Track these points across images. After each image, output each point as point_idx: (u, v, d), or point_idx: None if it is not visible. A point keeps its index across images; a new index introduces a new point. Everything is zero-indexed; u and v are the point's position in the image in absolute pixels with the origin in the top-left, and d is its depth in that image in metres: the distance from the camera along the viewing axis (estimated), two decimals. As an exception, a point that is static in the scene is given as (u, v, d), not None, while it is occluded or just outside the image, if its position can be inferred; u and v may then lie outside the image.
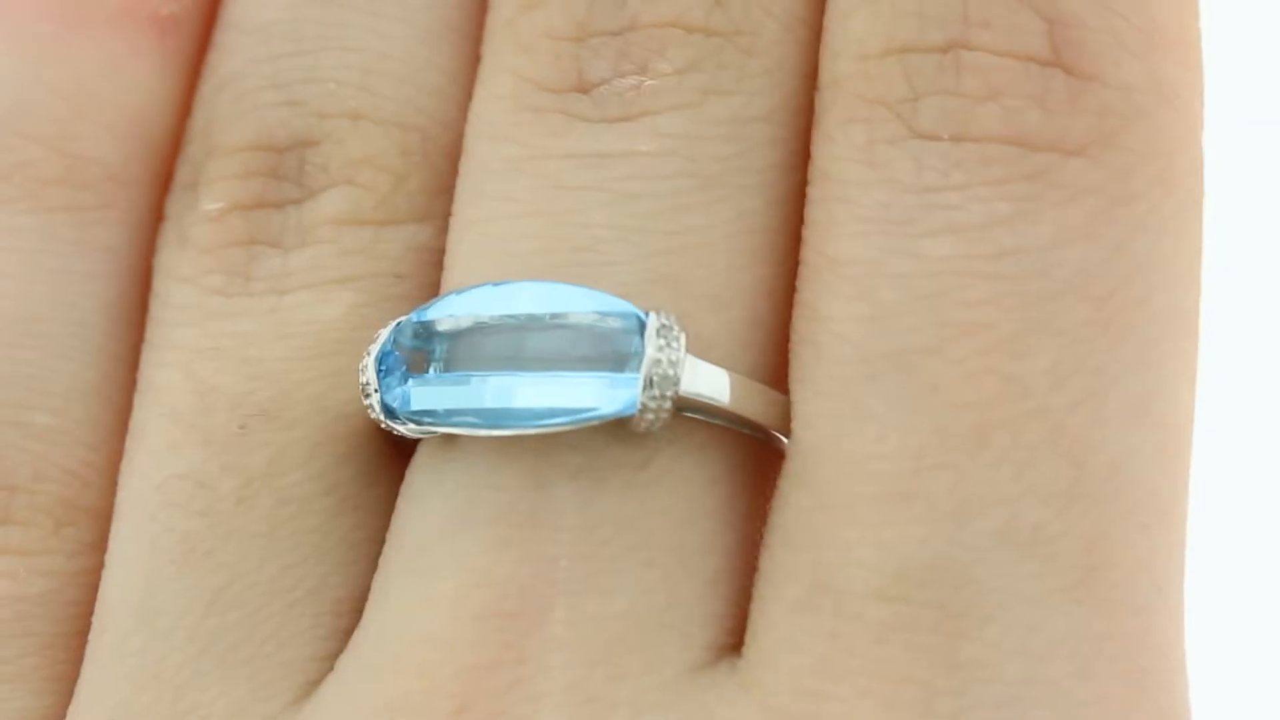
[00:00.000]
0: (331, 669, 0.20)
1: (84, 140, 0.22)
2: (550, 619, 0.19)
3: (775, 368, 0.21)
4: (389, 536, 0.21)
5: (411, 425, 0.20)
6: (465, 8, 0.22)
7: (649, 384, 0.19)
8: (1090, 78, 0.19)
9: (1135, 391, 0.19)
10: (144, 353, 0.22)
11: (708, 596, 0.20)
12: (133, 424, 0.22)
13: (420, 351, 0.20)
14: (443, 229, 0.22)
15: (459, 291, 0.20)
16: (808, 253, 0.20)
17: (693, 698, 0.19)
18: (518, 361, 0.20)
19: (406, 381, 0.20)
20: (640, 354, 0.19)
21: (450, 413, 0.20)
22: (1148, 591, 0.19)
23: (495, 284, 0.20)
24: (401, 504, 0.21)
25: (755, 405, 0.20)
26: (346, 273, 0.21)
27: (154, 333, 0.22)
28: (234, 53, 0.22)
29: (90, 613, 0.21)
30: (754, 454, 0.21)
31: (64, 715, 0.21)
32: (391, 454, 0.21)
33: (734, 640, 0.20)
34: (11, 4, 0.22)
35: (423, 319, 0.20)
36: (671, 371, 0.19)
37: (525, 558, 0.20)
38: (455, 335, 0.20)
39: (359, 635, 0.20)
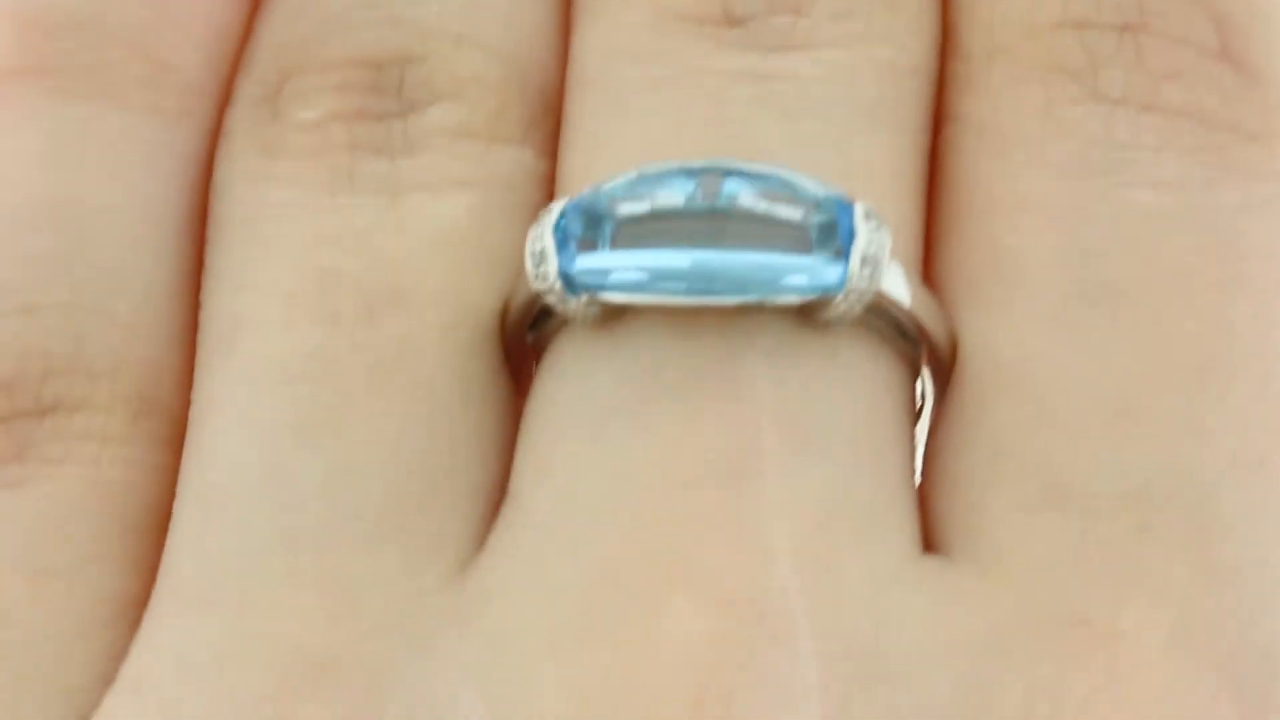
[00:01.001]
0: (484, 547, 0.20)
1: (166, 47, 0.22)
2: (766, 486, 0.19)
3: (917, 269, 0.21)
4: (534, 421, 0.20)
5: (586, 296, 0.19)
6: None
7: (861, 264, 0.19)
8: (1255, 75, 0.21)
9: None
10: (228, 251, 0.21)
11: (903, 492, 0.20)
12: (234, 314, 0.21)
13: (588, 235, 0.19)
14: (543, 161, 0.22)
15: (630, 176, 0.20)
16: (976, 194, 0.21)
17: (930, 578, 0.19)
18: (711, 239, 0.19)
19: (575, 254, 0.19)
20: (845, 235, 0.19)
21: (640, 284, 0.19)
22: None
23: (675, 165, 0.19)
24: (551, 379, 0.20)
25: (930, 315, 0.20)
26: (462, 176, 0.21)
27: (247, 232, 0.21)
28: None
29: (169, 503, 0.21)
30: (913, 365, 0.21)
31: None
32: (513, 355, 0.21)
33: (927, 542, 0.20)
34: None
35: (596, 200, 0.19)
36: (881, 256, 0.19)
37: (727, 427, 0.19)
38: (633, 218, 0.19)
39: (525, 508, 0.20)
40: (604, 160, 0.21)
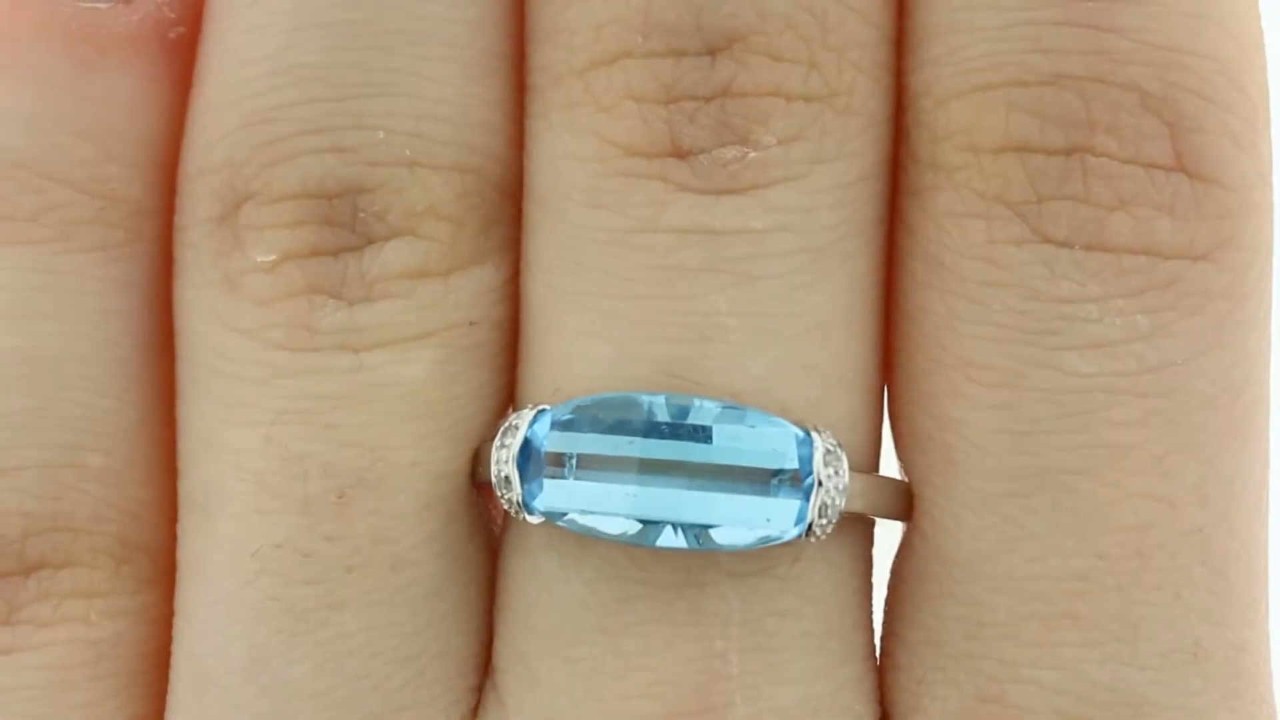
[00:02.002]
0: None
1: (112, 180, 0.22)
2: (732, 715, 0.20)
3: (876, 426, 0.21)
4: (511, 606, 0.21)
5: (546, 520, 0.20)
6: (507, 30, 0.21)
7: (821, 511, 0.20)
8: (1210, 181, 0.20)
9: (1256, 492, 0.21)
10: (201, 403, 0.21)
11: (865, 674, 0.21)
12: (206, 480, 0.21)
13: (555, 452, 0.20)
14: (502, 263, 0.21)
15: (598, 399, 0.20)
16: (925, 343, 0.21)
17: None
18: (671, 471, 0.20)
19: (541, 478, 0.20)
20: (805, 474, 0.20)
21: (605, 525, 0.20)
22: (1269, 691, 0.21)
23: (642, 395, 0.20)
24: (522, 575, 0.21)
25: (880, 504, 0.21)
26: (423, 328, 0.21)
27: (214, 383, 0.21)
28: (259, 91, 0.21)
29: (159, 649, 0.22)
30: (870, 526, 0.21)
31: None
32: (482, 501, 0.21)
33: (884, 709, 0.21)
34: (22, 45, 0.21)
35: (564, 417, 0.20)
36: (840, 500, 0.20)
37: (695, 656, 0.20)
38: (597, 437, 0.20)
39: (511, 704, 0.21)
40: (563, 332, 0.21)
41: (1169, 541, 0.20)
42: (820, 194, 0.20)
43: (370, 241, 0.21)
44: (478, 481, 0.21)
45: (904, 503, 0.21)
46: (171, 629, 0.22)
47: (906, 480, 0.21)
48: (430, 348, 0.21)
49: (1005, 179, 0.20)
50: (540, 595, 0.21)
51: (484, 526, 0.22)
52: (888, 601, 0.21)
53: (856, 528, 0.21)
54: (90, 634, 0.21)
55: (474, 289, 0.21)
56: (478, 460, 0.21)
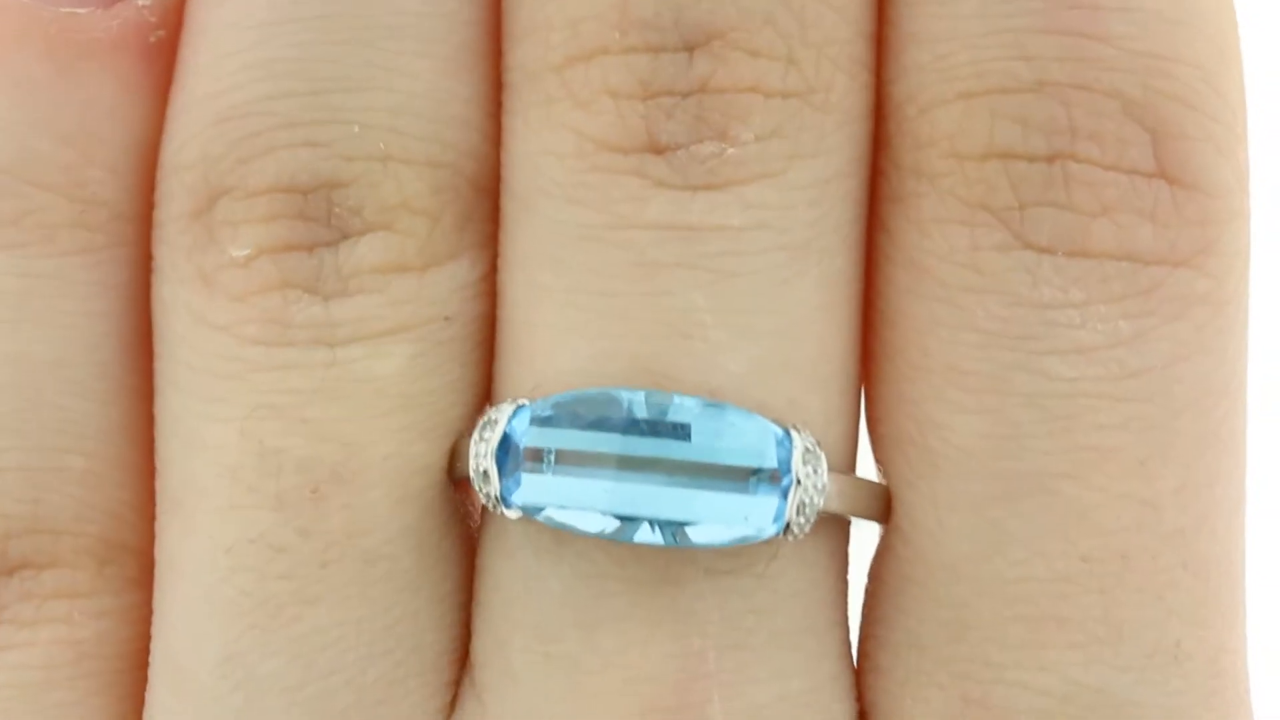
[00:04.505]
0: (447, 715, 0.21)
1: (92, 184, 0.22)
2: (709, 712, 0.20)
3: (854, 426, 0.21)
4: (488, 602, 0.21)
5: (524, 515, 0.20)
6: (484, 26, 0.21)
7: (796, 513, 0.20)
8: (1192, 187, 0.20)
9: (1235, 496, 0.21)
10: (178, 401, 0.21)
11: (842, 672, 0.21)
12: (183, 477, 0.21)
13: (533, 446, 0.20)
14: (478, 259, 0.21)
15: (576, 394, 0.20)
16: (906, 348, 0.21)
17: None
18: (649, 468, 0.20)
19: (520, 472, 0.20)
20: (784, 473, 0.20)
21: (582, 519, 0.20)
22: (1247, 692, 0.21)
23: (621, 391, 0.20)
24: (500, 570, 0.21)
25: (858, 504, 0.21)
26: (398, 323, 0.21)
27: (190, 379, 0.21)
28: (234, 86, 0.21)
29: (141, 649, 0.22)
30: (846, 526, 0.21)
31: None
32: (459, 498, 0.21)
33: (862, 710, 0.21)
34: (1, 50, 0.21)
35: (543, 413, 0.20)
36: (819, 499, 0.20)
37: (673, 653, 0.20)
38: (576, 433, 0.20)
39: (488, 698, 0.21)
40: (542, 329, 0.21)
41: (1151, 544, 0.20)
42: (798, 190, 0.20)
43: (345, 236, 0.21)
44: (455, 477, 0.21)
45: (882, 505, 0.21)
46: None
47: (884, 483, 0.21)
48: (405, 342, 0.21)
49: (989, 185, 0.20)
50: (518, 591, 0.21)
51: (460, 522, 0.22)
52: (866, 604, 0.21)
53: (833, 528, 0.21)
54: (73, 634, 0.21)
55: (450, 284, 0.21)
56: (455, 456, 0.21)
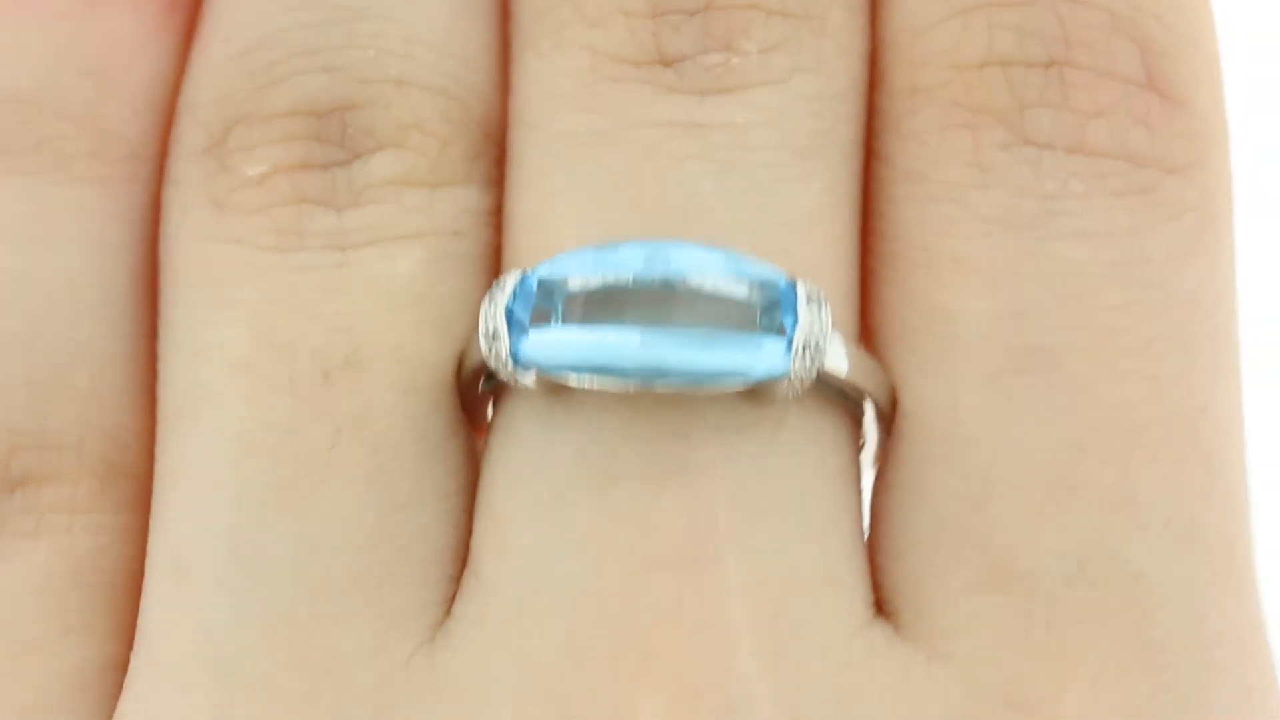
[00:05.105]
0: (449, 614, 0.20)
1: (111, 118, 0.22)
2: (722, 567, 0.20)
3: (853, 325, 0.22)
4: (493, 485, 0.21)
5: (536, 375, 0.20)
6: None
7: (801, 351, 0.20)
8: (1180, 103, 0.21)
9: (1235, 397, 0.21)
10: (184, 313, 0.22)
11: (855, 553, 0.21)
12: (189, 384, 0.21)
13: (541, 308, 0.20)
14: (486, 194, 0.22)
15: (581, 252, 0.20)
16: (910, 247, 0.21)
17: (882, 654, 0.20)
18: (659, 317, 0.20)
19: (529, 331, 0.20)
20: (789, 319, 0.20)
21: (590, 367, 0.20)
22: (1257, 589, 0.21)
23: (626, 243, 0.20)
24: (507, 444, 0.21)
25: (868, 379, 0.21)
26: (409, 229, 0.21)
27: (197, 295, 0.21)
28: (254, 23, 0.22)
29: (139, 571, 0.21)
30: (856, 417, 0.21)
31: (126, 665, 0.21)
32: (467, 406, 0.22)
33: (877, 601, 0.21)
34: None
35: (551, 275, 0.20)
36: (821, 341, 0.20)
37: (682, 508, 0.20)
38: (584, 294, 0.20)
39: (490, 582, 0.20)
40: (552, 222, 0.21)
41: (1160, 420, 0.20)
42: (800, 101, 0.21)
43: (358, 156, 0.22)
44: (463, 380, 0.21)
45: (887, 388, 0.21)
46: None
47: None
48: (417, 248, 0.21)
49: (989, 90, 0.21)
50: (525, 468, 0.20)
51: (466, 435, 0.22)
52: (877, 499, 0.21)
53: (844, 412, 0.21)
54: (72, 545, 0.21)
55: (459, 205, 0.22)
56: (463, 360, 0.21)
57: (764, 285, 0.20)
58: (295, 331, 0.21)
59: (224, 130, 0.22)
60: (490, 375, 0.21)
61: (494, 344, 0.20)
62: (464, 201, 0.22)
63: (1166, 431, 0.20)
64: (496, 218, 0.22)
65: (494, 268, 0.22)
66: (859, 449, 0.22)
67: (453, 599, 0.21)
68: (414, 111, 0.22)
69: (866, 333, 0.22)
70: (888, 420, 0.21)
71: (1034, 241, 0.20)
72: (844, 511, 0.21)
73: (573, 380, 0.20)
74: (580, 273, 0.20)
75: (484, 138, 0.22)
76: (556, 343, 0.20)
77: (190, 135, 0.22)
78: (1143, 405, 0.20)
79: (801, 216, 0.21)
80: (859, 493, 0.21)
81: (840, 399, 0.21)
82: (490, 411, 0.22)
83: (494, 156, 0.22)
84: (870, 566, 0.21)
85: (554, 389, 0.20)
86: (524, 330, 0.20)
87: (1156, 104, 0.21)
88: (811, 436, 0.21)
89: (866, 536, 0.21)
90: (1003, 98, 0.21)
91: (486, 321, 0.20)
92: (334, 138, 0.22)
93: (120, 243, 0.22)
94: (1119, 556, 0.20)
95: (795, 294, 0.20)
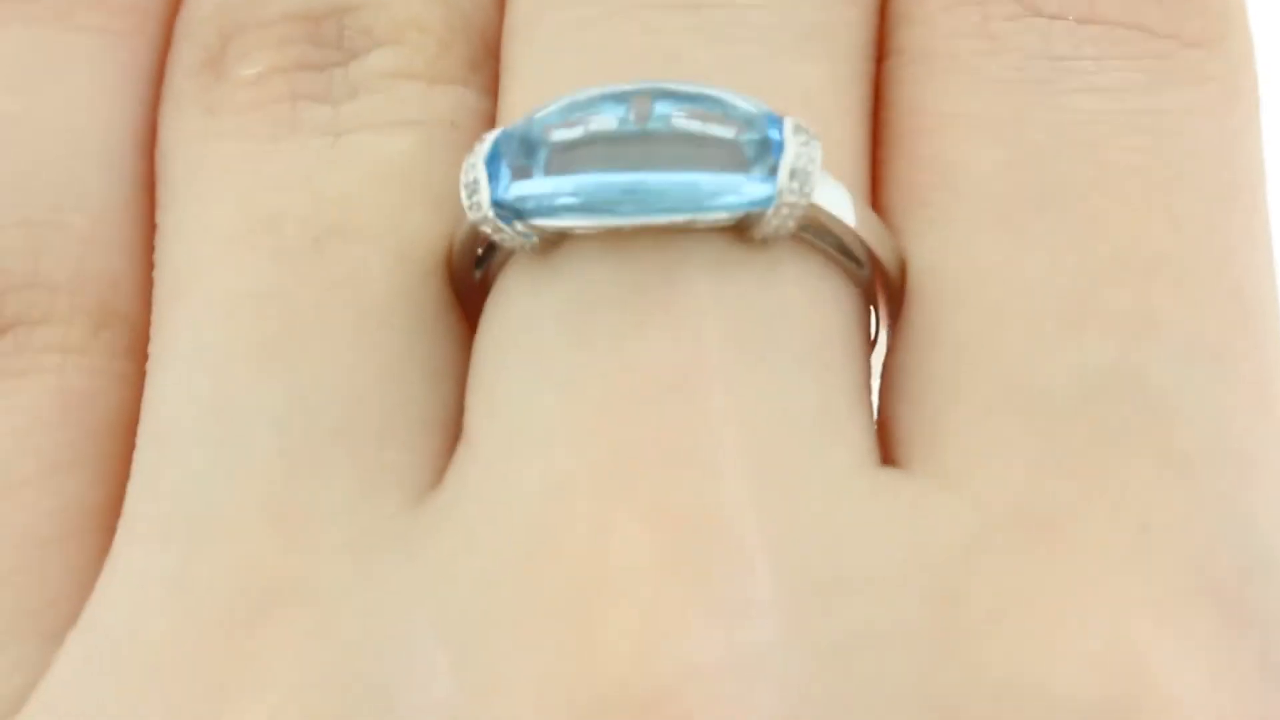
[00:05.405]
0: (441, 485, 0.20)
1: None
2: (712, 396, 0.19)
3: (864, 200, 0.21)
4: (483, 355, 0.20)
5: (520, 224, 0.19)
6: None
7: (790, 176, 0.19)
8: None
9: (1262, 262, 0.20)
10: (177, 205, 0.21)
11: (858, 403, 0.20)
12: (183, 262, 0.21)
13: (522, 162, 0.19)
14: (484, 100, 0.22)
15: (563, 99, 0.19)
16: (920, 114, 0.21)
17: (889, 490, 0.19)
18: (644, 162, 0.19)
19: (510, 179, 0.19)
20: (776, 150, 0.19)
21: (573, 206, 0.19)
22: None
23: (607, 89, 0.19)
24: (496, 313, 0.20)
25: (875, 233, 0.20)
26: (405, 117, 0.21)
27: (195, 186, 0.21)
28: None
29: (132, 419, 0.21)
30: (863, 286, 0.20)
31: (117, 509, 0.20)
32: (462, 292, 0.21)
33: (886, 455, 0.20)
34: None
35: (530, 127, 0.19)
36: (811, 168, 0.19)
37: (670, 340, 0.19)
38: (565, 143, 0.19)
39: (476, 443, 0.20)
40: (540, 95, 0.21)
41: (1181, 253, 0.20)
42: None
43: (355, 56, 0.22)
44: (454, 261, 0.21)
45: (894, 253, 0.20)
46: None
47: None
48: (412, 133, 0.21)
49: None
50: (511, 329, 0.20)
51: (458, 320, 0.21)
52: (888, 363, 0.21)
53: (845, 273, 0.20)
54: (63, 383, 0.21)
55: (456, 101, 0.22)
56: (453, 239, 0.21)
57: (752, 122, 0.19)
58: (284, 204, 0.21)
59: (221, 44, 0.22)
60: (482, 259, 0.21)
61: (474, 195, 0.20)
62: (461, 100, 0.22)
63: (1189, 262, 0.20)
64: (492, 120, 0.22)
65: None
66: (868, 325, 0.21)
67: (443, 471, 0.20)
68: (411, 12, 0.22)
69: (879, 205, 0.21)
70: (898, 294, 0.21)
71: (1046, 96, 0.20)
72: (845, 362, 0.20)
73: (553, 223, 0.19)
74: (560, 122, 0.19)
75: (484, 50, 0.22)
76: (536, 187, 0.19)
77: (188, 52, 0.22)
78: (1162, 236, 0.20)
79: (803, 93, 0.21)
80: (865, 356, 0.20)
81: (845, 260, 0.20)
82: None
83: (492, 71, 0.22)
84: (882, 420, 0.20)
85: (542, 248, 0.20)
86: (506, 181, 0.19)
87: None
88: (810, 287, 0.20)
89: (879, 394, 0.20)
90: None
91: (466, 173, 0.20)
92: (331, 40, 0.22)
93: (120, 89, 0.22)
94: (1140, 375, 0.19)
95: (783, 127, 0.19)
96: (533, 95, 0.21)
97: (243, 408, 0.20)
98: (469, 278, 0.21)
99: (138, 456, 0.21)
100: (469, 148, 0.21)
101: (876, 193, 0.21)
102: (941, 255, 0.20)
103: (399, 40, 0.22)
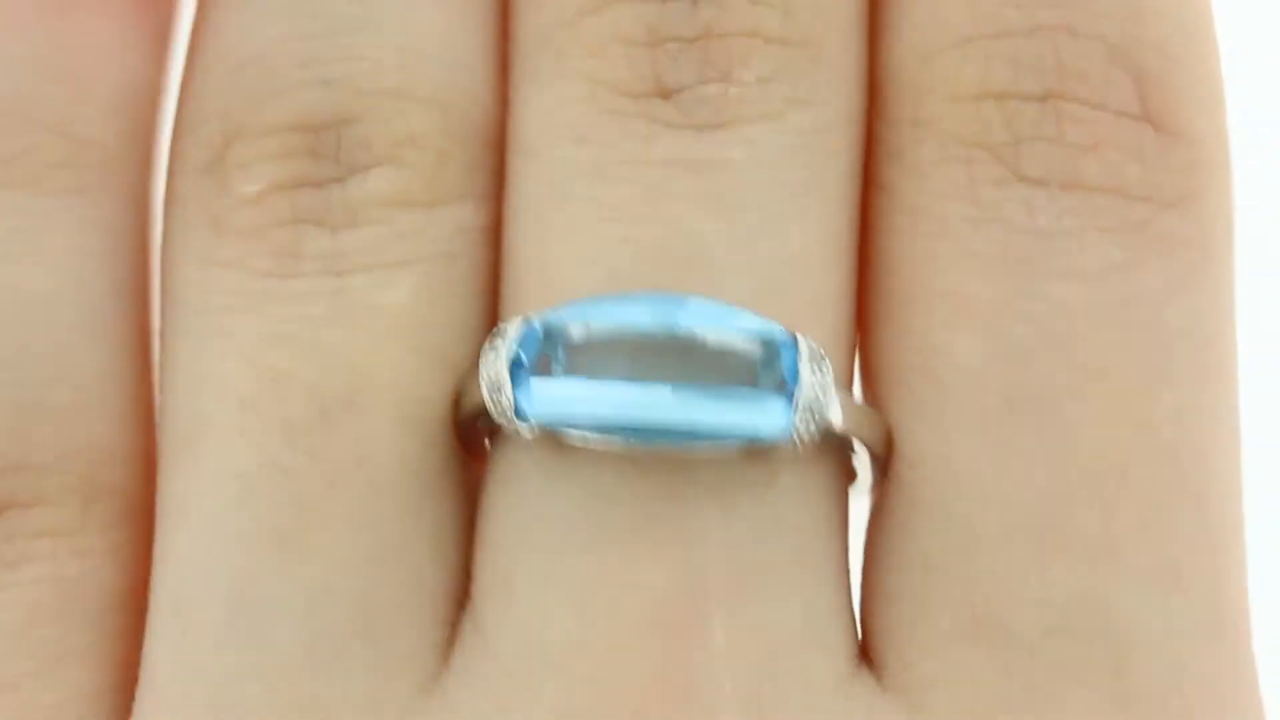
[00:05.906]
0: (448, 664, 0.21)
1: (85, 124, 0.22)
2: (710, 631, 0.20)
3: (849, 362, 0.22)
4: (494, 536, 0.21)
5: (537, 427, 0.20)
6: None
7: (804, 412, 0.20)
8: (1175, 133, 0.21)
9: (1232, 431, 0.21)
10: (186, 344, 0.21)
11: (843, 606, 0.21)
12: (191, 415, 0.21)
13: (543, 355, 0.20)
14: (482, 209, 0.22)
15: (586, 301, 0.20)
16: (905, 282, 0.21)
17: (862, 712, 0.20)
18: (659, 375, 0.20)
19: (531, 381, 0.20)
20: (790, 376, 0.20)
21: (594, 423, 0.20)
22: (1248, 628, 0.21)
23: (631, 295, 0.20)
24: (507, 504, 0.21)
25: (864, 428, 0.21)
26: (404, 255, 0.21)
27: (197, 322, 0.21)
28: (251, 34, 0.22)
29: (128, 590, 0.21)
30: (848, 465, 0.21)
31: (119, 690, 0.21)
32: (463, 438, 0.21)
33: (861, 650, 0.21)
34: None
35: (555, 323, 0.20)
36: (824, 399, 0.20)
37: (675, 570, 0.20)
38: (587, 342, 0.20)
39: (488, 637, 0.20)
40: (552, 263, 0.21)
41: (1149, 463, 0.20)
42: (797, 135, 0.21)
43: (353, 172, 0.21)
44: (459, 415, 0.21)
45: (883, 434, 0.21)
46: (143, 570, 0.22)
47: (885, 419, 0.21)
48: (412, 274, 0.21)
49: (984, 123, 0.21)
50: (524, 518, 0.20)
51: (461, 469, 0.21)
52: (870, 540, 0.21)
53: (835, 460, 0.21)
54: (58, 571, 0.21)
55: (456, 224, 0.22)
56: (459, 394, 0.21)
57: (766, 341, 0.20)
58: (291, 366, 0.21)
59: (224, 145, 0.21)
60: (489, 416, 0.21)
61: (498, 396, 0.20)
62: (460, 220, 0.22)
63: (1156, 474, 0.20)
64: (492, 234, 0.22)
65: (489, 290, 0.22)
66: (848, 489, 0.22)
67: (447, 642, 0.21)
68: (410, 125, 0.21)
69: (865, 369, 0.22)
70: (883, 464, 0.21)
71: (1027, 280, 0.20)
72: (831, 563, 0.21)
73: (575, 438, 0.20)
74: (582, 320, 0.20)
75: (483, 147, 0.22)
76: (561, 397, 0.20)
77: (192, 152, 0.22)
78: (1132, 449, 0.20)
79: (798, 253, 0.21)
80: (846, 539, 0.21)
81: (834, 447, 0.21)
82: (487, 443, 0.22)
83: (492, 167, 0.22)
84: (861, 610, 0.21)
85: (555, 440, 0.20)
86: (528, 381, 0.20)
87: (1150, 136, 0.21)
88: (806, 492, 0.21)
89: (860, 576, 0.21)
90: (998, 132, 0.21)
91: (489, 370, 0.20)
92: (329, 152, 0.21)
93: (97, 250, 0.22)
94: (1101, 606, 0.20)
95: (797, 350, 0.20)
96: (542, 245, 0.21)
97: (262, 599, 0.20)
98: (472, 425, 0.21)
99: (155, 625, 0.21)
100: (469, 281, 0.21)
101: (865, 346, 0.22)
102: (921, 453, 0.21)
103: (396, 159, 0.21)
